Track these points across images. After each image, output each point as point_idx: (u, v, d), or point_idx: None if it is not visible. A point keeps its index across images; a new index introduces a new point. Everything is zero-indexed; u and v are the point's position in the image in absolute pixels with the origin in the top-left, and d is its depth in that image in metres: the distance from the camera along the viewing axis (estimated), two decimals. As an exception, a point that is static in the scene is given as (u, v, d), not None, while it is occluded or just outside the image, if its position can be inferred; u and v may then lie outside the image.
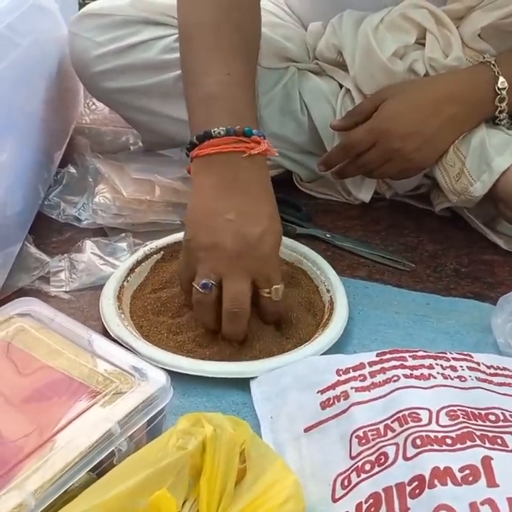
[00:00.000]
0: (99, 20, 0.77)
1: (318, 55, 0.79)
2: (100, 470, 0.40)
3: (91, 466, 0.39)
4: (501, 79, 0.69)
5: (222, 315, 0.54)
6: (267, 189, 0.57)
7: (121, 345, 0.53)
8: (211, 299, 0.53)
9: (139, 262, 0.65)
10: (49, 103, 0.79)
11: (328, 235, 0.76)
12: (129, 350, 0.53)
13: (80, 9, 0.83)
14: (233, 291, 0.53)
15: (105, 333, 0.56)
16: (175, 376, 0.48)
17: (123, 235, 0.71)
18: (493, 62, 0.70)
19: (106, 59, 0.77)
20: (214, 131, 0.55)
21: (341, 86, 0.79)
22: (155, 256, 0.66)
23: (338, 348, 0.58)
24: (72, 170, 0.82)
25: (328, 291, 0.64)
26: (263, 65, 0.78)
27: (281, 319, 0.59)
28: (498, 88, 0.69)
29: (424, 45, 0.74)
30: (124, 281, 0.63)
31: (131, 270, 0.64)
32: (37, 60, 0.75)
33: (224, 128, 0.55)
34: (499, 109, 0.70)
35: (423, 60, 0.74)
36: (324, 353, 0.56)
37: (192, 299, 0.55)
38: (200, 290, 0.53)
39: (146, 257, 0.66)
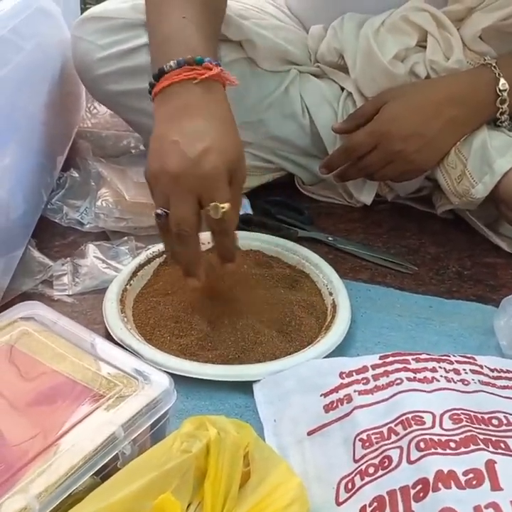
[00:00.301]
0: (102, 23, 0.77)
1: (319, 58, 0.80)
2: (104, 473, 0.40)
3: (95, 470, 0.39)
4: (502, 81, 0.69)
5: (173, 237, 0.54)
6: (219, 111, 0.55)
7: (124, 349, 0.53)
8: (166, 226, 0.54)
9: (141, 266, 0.66)
10: (51, 106, 0.79)
11: (330, 238, 0.76)
12: (132, 353, 0.53)
13: (82, 13, 0.83)
14: (177, 215, 0.53)
15: (108, 337, 0.57)
16: (178, 379, 0.48)
17: (125, 238, 0.72)
18: (493, 64, 0.70)
19: (108, 62, 0.77)
20: (166, 66, 0.55)
21: (342, 89, 0.79)
22: (157, 259, 0.67)
23: (341, 351, 0.58)
24: (75, 174, 0.82)
25: (330, 294, 0.64)
26: (265, 68, 0.78)
27: (231, 251, 0.57)
28: (499, 90, 0.69)
29: (425, 47, 0.74)
30: (127, 284, 0.63)
31: (134, 274, 0.65)
32: (40, 64, 0.76)
33: (175, 60, 0.55)
34: (500, 110, 0.70)
35: (424, 62, 0.74)
36: (327, 356, 0.56)
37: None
38: (157, 220, 0.54)
39: (149, 260, 0.66)
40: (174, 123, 0.54)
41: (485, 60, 0.71)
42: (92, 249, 0.70)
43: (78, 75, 0.82)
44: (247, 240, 0.70)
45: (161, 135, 0.54)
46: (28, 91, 0.70)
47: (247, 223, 0.76)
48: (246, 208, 0.79)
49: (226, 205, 0.52)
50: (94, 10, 0.78)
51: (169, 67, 0.55)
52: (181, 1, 0.61)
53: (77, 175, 0.82)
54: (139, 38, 0.75)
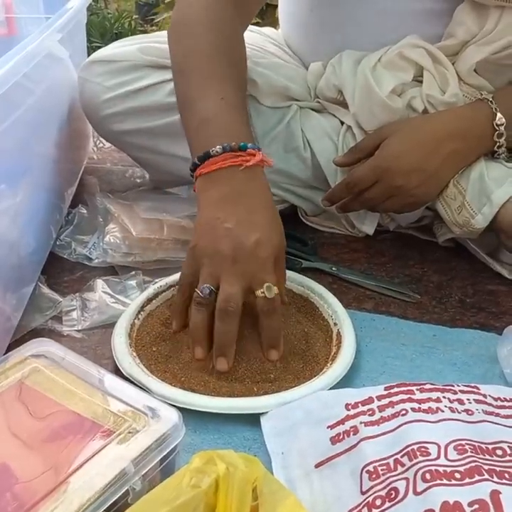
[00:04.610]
0: (108, 65, 0.80)
1: (319, 93, 0.82)
2: (115, 509, 0.41)
3: (106, 506, 0.40)
4: (499, 115, 0.70)
5: (215, 314, 0.56)
6: (264, 198, 0.60)
7: (133, 383, 0.54)
8: (210, 302, 0.56)
9: (149, 300, 0.67)
10: (61, 146, 0.81)
11: (334, 269, 0.77)
12: (141, 387, 0.54)
13: (89, 53, 0.86)
14: (227, 292, 0.56)
15: (117, 371, 0.57)
16: (186, 413, 0.49)
17: (133, 273, 0.73)
18: (490, 99, 0.72)
19: (114, 102, 0.80)
20: (212, 151, 0.59)
21: (342, 123, 0.81)
22: (165, 293, 0.68)
23: (346, 381, 0.58)
24: (83, 210, 0.84)
25: (335, 324, 0.65)
26: (267, 105, 0.80)
27: (278, 335, 0.59)
28: (496, 124, 0.71)
29: (421, 82, 0.76)
30: (134, 319, 0.64)
31: (142, 308, 0.66)
32: (49, 105, 0.78)
33: (221, 146, 0.59)
34: (498, 144, 0.71)
35: (421, 96, 0.76)
36: (333, 387, 0.56)
37: (192, 301, 0.58)
38: (201, 295, 0.56)
39: (157, 294, 0.67)
40: (225, 208, 0.58)
41: (481, 94, 0.73)
42: (100, 284, 0.71)
43: (85, 115, 0.84)
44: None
45: (214, 218, 0.58)
46: (38, 131, 0.73)
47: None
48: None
49: (275, 288, 0.57)
50: (101, 53, 0.81)
51: (215, 152, 0.59)
52: (216, 81, 0.64)
53: (85, 211, 0.84)
54: (144, 79, 0.78)
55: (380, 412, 0.49)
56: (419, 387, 0.51)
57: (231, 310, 0.56)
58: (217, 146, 0.59)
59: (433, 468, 0.42)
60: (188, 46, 0.67)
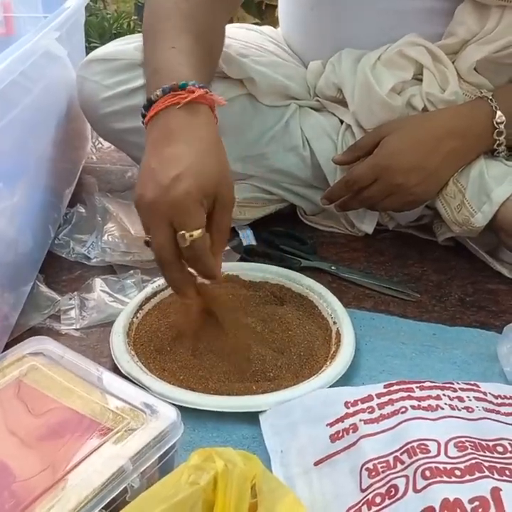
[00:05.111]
0: (106, 64, 0.79)
1: (318, 92, 0.82)
2: (113, 507, 0.40)
3: (104, 503, 0.40)
4: (499, 113, 0.70)
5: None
6: (203, 133, 0.55)
7: (132, 382, 0.54)
8: None
9: (147, 299, 0.67)
10: (59, 145, 0.81)
11: (333, 268, 0.77)
12: (139, 386, 0.54)
13: (87, 54, 0.86)
14: (154, 243, 0.53)
15: (116, 370, 0.57)
16: (185, 411, 0.49)
17: (131, 272, 0.73)
18: (490, 97, 0.71)
19: (113, 101, 0.79)
20: (153, 95, 0.56)
21: (342, 121, 0.81)
22: (163, 292, 0.67)
23: (346, 379, 0.58)
24: (81, 209, 0.84)
25: (334, 323, 0.65)
26: (266, 103, 0.80)
27: (209, 274, 0.56)
28: (496, 122, 0.70)
29: (421, 80, 0.76)
30: (133, 317, 0.64)
31: (141, 307, 0.66)
32: (47, 104, 0.78)
33: (160, 89, 0.55)
34: (497, 142, 0.71)
35: (421, 95, 0.75)
36: (332, 386, 0.56)
37: None
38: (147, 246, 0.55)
39: (155, 293, 0.67)
40: (156, 150, 0.54)
41: (481, 92, 0.73)
42: (98, 283, 0.71)
43: (84, 113, 0.84)
44: (252, 271, 0.71)
45: (143, 163, 0.55)
46: (36, 131, 0.72)
47: (250, 254, 0.77)
48: (250, 239, 0.81)
49: (196, 233, 0.51)
50: (99, 52, 0.81)
51: (156, 96, 0.56)
52: (172, 34, 0.62)
53: (83, 210, 0.84)
54: (142, 78, 0.77)
55: (379, 409, 0.49)
56: (418, 385, 0.51)
57: (164, 260, 0.53)
58: (157, 91, 0.55)
59: (433, 465, 0.42)
60: (155, 8, 0.66)
